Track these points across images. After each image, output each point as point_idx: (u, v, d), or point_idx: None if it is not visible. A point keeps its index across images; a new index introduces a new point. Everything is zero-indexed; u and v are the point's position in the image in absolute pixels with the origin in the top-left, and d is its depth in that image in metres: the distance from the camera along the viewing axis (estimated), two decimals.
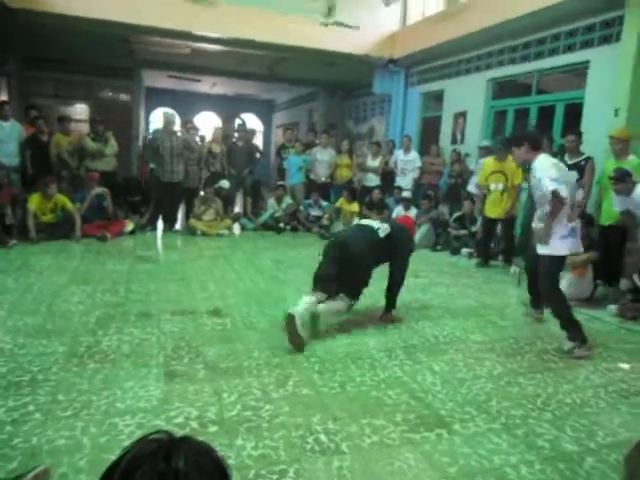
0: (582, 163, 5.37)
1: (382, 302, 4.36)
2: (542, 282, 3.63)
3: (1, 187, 6.21)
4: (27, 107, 8.38)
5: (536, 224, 3.71)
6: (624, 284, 4.73)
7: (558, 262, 3.57)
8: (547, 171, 3.42)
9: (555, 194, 3.34)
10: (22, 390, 2.46)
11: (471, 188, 7.49)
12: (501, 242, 6.40)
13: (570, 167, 5.45)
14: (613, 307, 4.37)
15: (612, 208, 4.78)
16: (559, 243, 3.49)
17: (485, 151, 7.23)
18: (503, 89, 7.81)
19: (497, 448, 2.22)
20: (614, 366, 3.25)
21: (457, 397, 2.68)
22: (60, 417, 2.25)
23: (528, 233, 6.29)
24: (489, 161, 6.08)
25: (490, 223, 6.18)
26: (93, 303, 3.89)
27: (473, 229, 6.92)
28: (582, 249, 3.78)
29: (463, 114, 8.32)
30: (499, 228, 6.30)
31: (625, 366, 3.26)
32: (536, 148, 3.61)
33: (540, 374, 3.05)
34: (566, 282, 4.57)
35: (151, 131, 8.05)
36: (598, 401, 2.74)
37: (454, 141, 8.54)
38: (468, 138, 8.19)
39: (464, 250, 6.84)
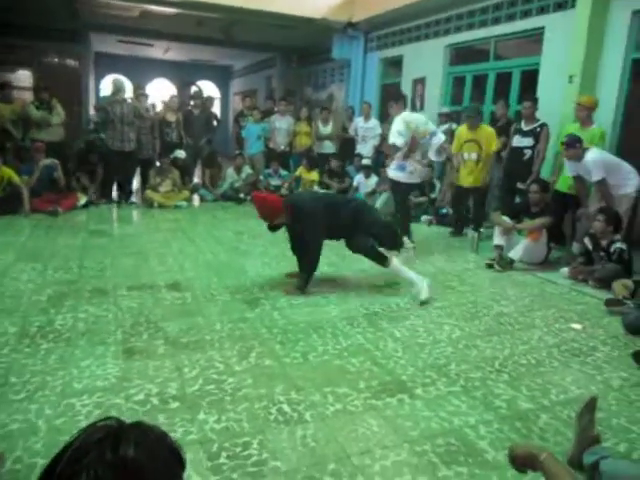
0: (537, 129, 5.46)
1: (343, 270, 4.39)
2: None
3: None
4: None
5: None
6: (576, 248, 4.91)
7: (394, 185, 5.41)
8: (398, 124, 5.03)
9: (392, 144, 5.09)
10: None
11: (431, 155, 7.52)
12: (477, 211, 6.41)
13: (525, 133, 5.55)
14: (565, 270, 4.52)
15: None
16: (393, 172, 5.25)
17: (445, 117, 7.26)
18: (461, 55, 7.80)
19: (457, 410, 2.28)
20: (566, 327, 3.37)
21: (418, 362, 2.73)
22: (13, 400, 2.17)
23: (496, 195, 6.39)
24: (462, 129, 5.98)
25: (463, 192, 6.06)
26: (44, 281, 3.74)
27: (432, 196, 6.99)
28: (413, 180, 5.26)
29: (422, 80, 8.28)
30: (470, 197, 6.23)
31: (577, 326, 3.39)
32: (404, 107, 5.27)
33: (497, 336, 3.15)
34: (522, 246, 4.69)
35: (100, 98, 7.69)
36: (552, 360, 2.85)
37: (413, 108, 8.50)
38: (428, 105, 8.18)
39: (424, 217, 6.91)
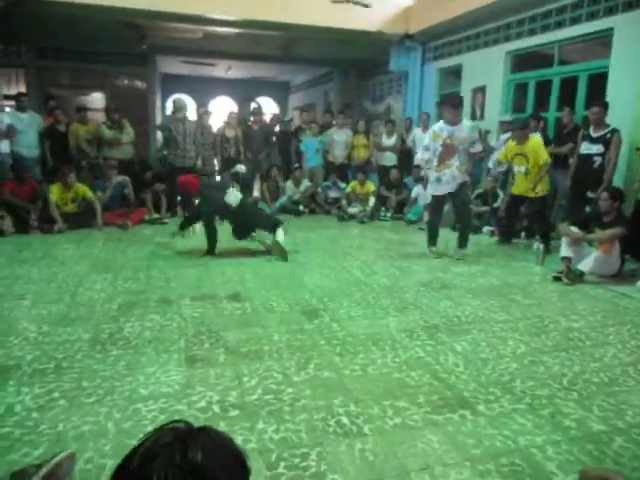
0: (608, 136, 5.19)
1: (401, 282, 4.34)
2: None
3: (24, 180, 6.29)
4: (46, 97, 8.45)
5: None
6: None
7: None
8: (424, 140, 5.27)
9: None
10: (47, 377, 2.50)
11: (491, 165, 7.33)
12: (524, 220, 6.25)
13: (595, 140, 5.30)
14: None
15: None
16: (433, 187, 5.37)
17: (506, 126, 7.06)
18: (523, 61, 7.57)
19: (522, 429, 2.18)
20: None
21: (480, 377, 2.64)
22: (84, 403, 2.28)
23: (550, 208, 6.16)
24: (512, 143, 5.86)
25: (514, 200, 5.93)
26: (115, 290, 3.93)
27: (495, 205, 6.79)
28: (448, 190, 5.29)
29: (482, 89, 8.11)
30: (524, 207, 6.08)
31: None
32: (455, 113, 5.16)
33: (565, 352, 2.99)
34: (593, 258, 4.45)
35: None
36: (627, 379, 2.67)
37: (473, 117, 8.33)
38: (488, 113, 7.99)
39: (485, 228, 6.73)
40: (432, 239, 5.59)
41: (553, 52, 6.85)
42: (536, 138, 5.66)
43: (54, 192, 6.19)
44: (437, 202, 5.54)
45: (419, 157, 5.50)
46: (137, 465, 0.70)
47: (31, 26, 8.90)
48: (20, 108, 6.90)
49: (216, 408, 2.27)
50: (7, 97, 8.15)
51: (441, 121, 5.35)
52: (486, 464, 1.93)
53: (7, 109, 7.23)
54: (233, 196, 5.20)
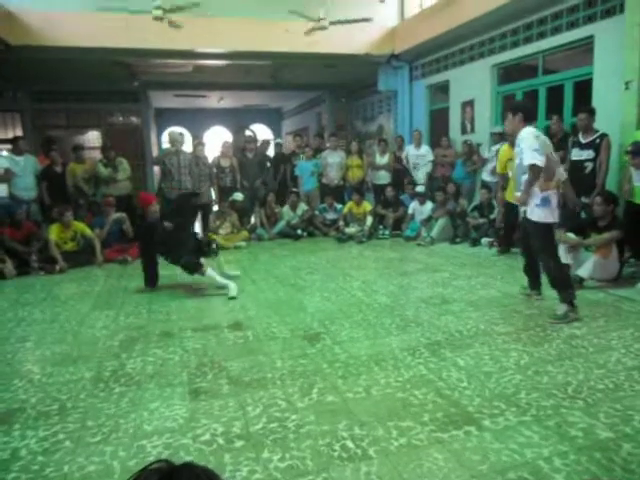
0: (597, 141, 5.24)
1: (401, 299, 4.34)
2: (534, 247, 3.96)
3: (21, 223, 6.37)
4: (46, 140, 8.58)
5: (517, 192, 4.07)
6: None
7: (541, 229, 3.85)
8: (530, 142, 3.66)
9: (533, 166, 3.63)
10: (52, 419, 2.50)
11: (485, 176, 7.40)
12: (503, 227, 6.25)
13: (585, 146, 5.34)
14: None
15: None
16: (538, 212, 3.80)
17: (498, 137, 7.14)
18: (509, 73, 7.71)
19: (529, 441, 2.17)
20: None
21: (485, 392, 2.63)
22: (90, 443, 2.28)
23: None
24: (504, 148, 5.91)
25: (510, 208, 5.87)
26: (117, 327, 3.95)
27: (491, 217, 6.82)
28: (555, 220, 3.84)
29: (471, 103, 8.22)
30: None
31: None
32: (527, 120, 3.88)
33: (569, 360, 2.98)
34: (591, 263, 4.46)
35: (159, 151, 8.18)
36: (632, 384, 2.66)
37: (464, 131, 8.44)
38: (478, 126, 8.09)
39: (484, 240, 6.75)
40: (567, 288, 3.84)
41: (537, 62, 6.97)
42: None
43: (53, 232, 6.24)
44: (551, 232, 3.90)
45: (533, 161, 3.61)
46: None
47: (25, 71, 9.10)
48: (16, 152, 7.00)
49: (221, 440, 2.27)
50: (2, 141, 8.26)
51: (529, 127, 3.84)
52: None
53: (4, 153, 7.33)
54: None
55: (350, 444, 2.19)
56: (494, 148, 7.20)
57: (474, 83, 8.08)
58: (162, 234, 4.94)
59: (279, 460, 2.09)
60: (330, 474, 1.99)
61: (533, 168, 3.63)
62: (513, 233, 6.05)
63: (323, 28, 7.45)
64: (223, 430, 2.34)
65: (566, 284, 3.82)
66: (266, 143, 9.70)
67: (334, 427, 2.33)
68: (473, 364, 2.98)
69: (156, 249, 5.04)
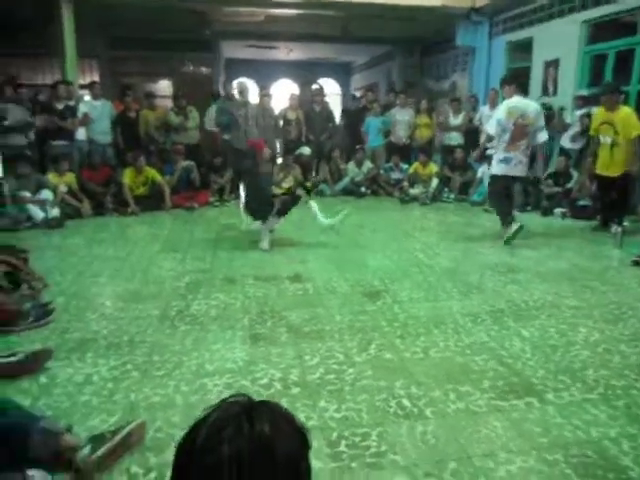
0: None
1: (465, 265, 4.22)
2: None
3: (98, 166, 6.67)
4: (123, 87, 8.82)
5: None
6: None
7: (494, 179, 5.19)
8: (499, 112, 4.96)
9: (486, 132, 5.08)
10: (121, 350, 2.65)
11: (565, 143, 6.94)
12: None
13: None
14: None
15: None
16: (495, 165, 5.06)
17: (582, 101, 6.64)
18: (601, 31, 7.05)
19: (594, 419, 2.07)
20: None
21: (549, 365, 2.53)
22: (155, 376, 2.40)
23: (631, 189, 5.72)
24: (599, 111, 5.40)
25: (606, 181, 5.42)
26: (183, 269, 4.09)
27: (567, 186, 6.43)
28: (514, 174, 5.00)
29: (555, 62, 7.64)
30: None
31: None
32: (518, 90, 5.04)
33: None
34: None
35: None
36: None
37: (545, 92, 7.90)
38: (562, 88, 7.53)
39: (557, 210, 6.39)
40: (505, 216, 5.06)
41: (636, 18, 6.33)
42: (628, 109, 5.22)
43: (127, 176, 6.50)
44: (500, 183, 5.10)
45: (487, 129, 5.17)
46: (205, 435, 0.72)
47: (103, 17, 9.29)
48: (94, 96, 7.25)
49: (278, 385, 2.32)
50: (82, 86, 8.56)
51: (516, 97, 5.00)
52: (554, 454, 1.85)
53: (87, 97, 7.61)
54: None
55: (406, 402, 2.18)
56: (578, 113, 6.71)
57: (560, 41, 7.47)
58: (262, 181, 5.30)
59: (335, 410, 2.12)
60: (385, 429, 1.99)
61: (486, 134, 5.10)
62: (610, 207, 5.51)
63: None
64: (281, 376, 2.40)
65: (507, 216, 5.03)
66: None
67: (391, 384, 2.33)
68: (538, 336, 2.87)
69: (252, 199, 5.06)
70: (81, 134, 6.99)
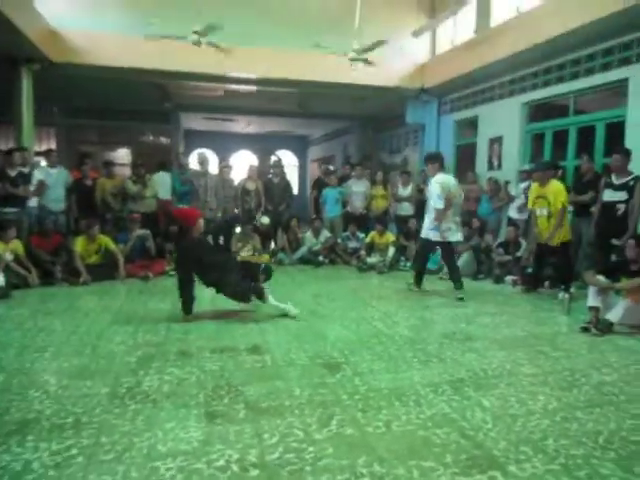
0: (631, 183, 5.16)
1: (423, 333, 4.25)
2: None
3: (49, 234, 6.48)
4: (82, 155, 8.80)
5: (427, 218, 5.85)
6: None
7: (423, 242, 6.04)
8: (435, 189, 5.61)
9: (437, 209, 5.62)
10: (65, 433, 2.46)
11: (512, 213, 7.32)
12: (548, 268, 6.12)
13: (618, 187, 5.26)
14: None
15: None
16: (427, 232, 5.86)
17: (525, 175, 7.09)
18: (539, 111, 7.69)
19: None
20: None
21: (510, 435, 2.52)
22: (102, 460, 2.23)
23: (574, 257, 6.05)
24: (534, 186, 5.85)
25: (543, 249, 5.81)
26: (135, 343, 3.92)
27: (517, 254, 6.70)
28: (438, 239, 5.79)
29: (499, 139, 8.21)
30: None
31: None
32: (441, 168, 5.77)
33: (599, 408, 2.85)
34: (621, 308, 4.32)
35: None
36: None
37: (490, 167, 8.41)
38: (505, 163, 8.05)
39: (508, 278, 6.62)
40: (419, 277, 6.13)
41: (569, 102, 6.95)
42: (558, 183, 5.63)
43: (79, 244, 6.33)
44: (426, 247, 6.07)
45: (437, 206, 5.61)
46: None
47: (63, 87, 9.40)
48: (50, 164, 7.18)
49: (235, 467, 2.19)
50: (38, 154, 8.49)
51: (440, 174, 5.73)
52: None
53: (42, 163, 7.52)
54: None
55: None
56: (522, 185, 7.14)
57: (503, 120, 8.07)
58: (209, 255, 4.65)
59: None
60: None
61: (437, 210, 5.58)
62: (541, 272, 5.92)
63: (365, 61, 7.51)
64: (238, 457, 2.27)
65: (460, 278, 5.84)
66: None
67: (353, 462, 2.24)
68: (498, 405, 2.87)
69: (204, 277, 4.69)
70: (32, 201, 6.84)
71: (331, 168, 9.98)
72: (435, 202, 5.61)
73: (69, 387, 3.03)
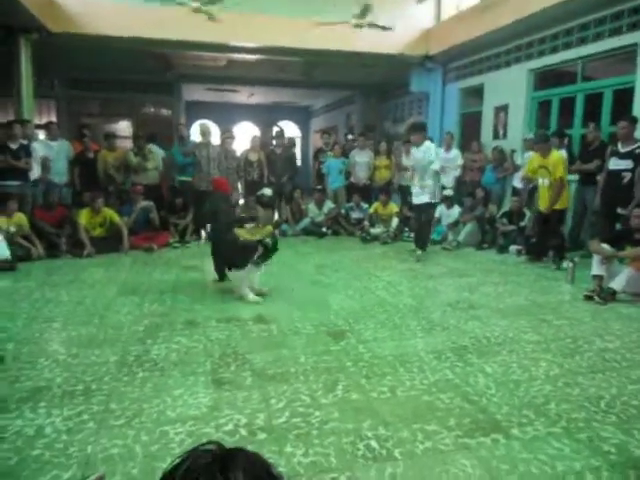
0: (637, 151, 5.10)
1: (427, 302, 4.28)
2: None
3: (53, 206, 6.49)
4: (80, 126, 8.71)
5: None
6: None
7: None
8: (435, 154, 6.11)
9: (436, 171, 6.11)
10: (76, 399, 2.52)
11: (516, 183, 7.26)
12: (551, 237, 6.12)
13: (623, 155, 5.20)
14: None
15: None
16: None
17: (530, 144, 7.00)
18: (546, 79, 7.54)
19: (559, 453, 2.10)
20: None
21: (513, 400, 2.56)
22: (113, 426, 2.28)
23: (579, 226, 6.05)
24: (535, 156, 5.82)
25: (540, 217, 5.85)
26: (141, 313, 3.97)
27: (521, 224, 6.69)
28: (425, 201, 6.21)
29: (504, 108, 8.08)
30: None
31: None
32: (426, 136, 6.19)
33: (602, 374, 2.89)
34: (625, 276, 4.33)
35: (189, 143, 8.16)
36: None
37: (496, 136, 8.31)
38: (511, 132, 7.94)
39: (512, 247, 6.61)
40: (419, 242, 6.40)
41: (576, 69, 6.81)
42: (559, 154, 5.59)
43: (83, 217, 6.34)
44: (414, 211, 6.72)
45: (437, 168, 6.13)
46: None
47: (63, 58, 9.26)
48: (50, 136, 7.13)
49: (243, 431, 2.25)
50: (38, 126, 8.41)
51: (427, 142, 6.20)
52: None
53: (41, 137, 7.47)
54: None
55: (374, 444, 2.15)
56: (527, 155, 7.06)
57: (509, 88, 7.93)
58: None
59: (302, 455, 2.06)
60: (354, 473, 1.95)
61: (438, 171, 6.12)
62: (545, 242, 5.90)
63: (358, 27, 7.40)
64: (246, 421, 2.33)
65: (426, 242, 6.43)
66: (291, 142, 9.69)
67: (358, 426, 2.29)
68: (501, 372, 2.91)
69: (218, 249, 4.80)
70: (35, 173, 6.81)
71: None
72: (437, 166, 6.08)
73: (78, 356, 3.09)
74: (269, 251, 4.46)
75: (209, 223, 4.77)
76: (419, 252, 6.21)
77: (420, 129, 6.17)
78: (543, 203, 5.69)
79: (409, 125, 6.55)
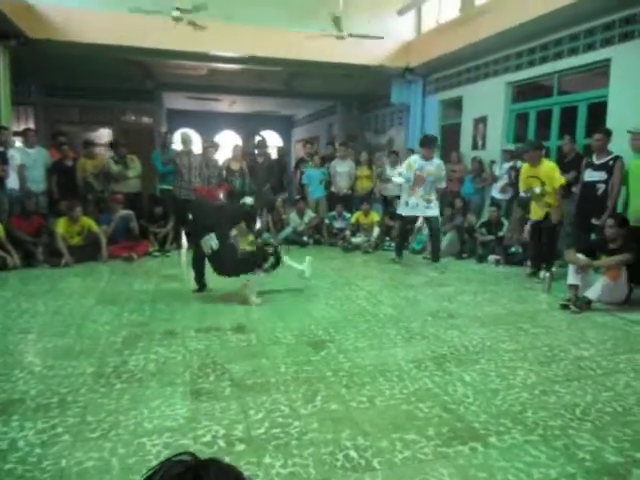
0: (610, 163, 5.22)
1: (407, 312, 4.31)
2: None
3: (30, 215, 6.38)
4: (54, 134, 8.59)
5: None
6: None
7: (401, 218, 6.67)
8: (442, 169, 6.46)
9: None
10: (51, 412, 2.47)
11: (495, 193, 7.38)
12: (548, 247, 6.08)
13: (598, 167, 5.32)
14: None
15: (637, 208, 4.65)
16: (401, 208, 6.54)
17: (509, 155, 7.14)
18: (523, 92, 7.71)
19: (536, 461, 2.12)
20: None
21: (491, 408, 2.59)
22: (89, 438, 2.24)
23: (569, 232, 6.11)
24: (525, 166, 5.83)
25: (537, 227, 5.81)
26: (120, 323, 3.92)
27: (500, 234, 6.78)
28: (413, 215, 6.54)
29: (483, 119, 8.22)
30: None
31: None
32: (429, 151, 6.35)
33: (577, 382, 2.94)
34: (600, 285, 4.42)
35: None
36: None
37: (475, 147, 8.44)
38: (490, 143, 8.08)
39: (491, 257, 6.70)
40: (398, 250, 6.74)
41: (552, 82, 6.97)
42: (550, 162, 5.65)
43: (60, 225, 6.24)
44: (403, 222, 6.65)
45: (394, 180, 6.77)
46: None
47: (41, 65, 9.16)
48: (28, 144, 7.02)
49: (222, 442, 2.23)
50: (16, 133, 8.29)
51: (417, 155, 6.46)
52: None
53: (17, 144, 7.35)
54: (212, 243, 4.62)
55: (353, 454, 2.15)
56: (505, 166, 7.19)
57: (487, 100, 8.08)
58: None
59: (281, 466, 2.05)
60: None
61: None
62: (541, 252, 5.84)
63: (341, 38, 7.47)
64: (224, 432, 2.31)
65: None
66: (281, 150, 9.72)
67: (337, 436, 2.29)
68: (479, 380, 2.94)
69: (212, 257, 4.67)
70: (13, 182, 6.70)
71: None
72: (395, 177, 6.74)
73: (54, 367, 3.03)
74: (279, 260, 4.80)
75: (200, 233, 4.53)
76: (437, 264, 6.34)
77: (432, 143, 6.39)
78: (535, 214, 5.73)
79: (422, 139, 6.72)
